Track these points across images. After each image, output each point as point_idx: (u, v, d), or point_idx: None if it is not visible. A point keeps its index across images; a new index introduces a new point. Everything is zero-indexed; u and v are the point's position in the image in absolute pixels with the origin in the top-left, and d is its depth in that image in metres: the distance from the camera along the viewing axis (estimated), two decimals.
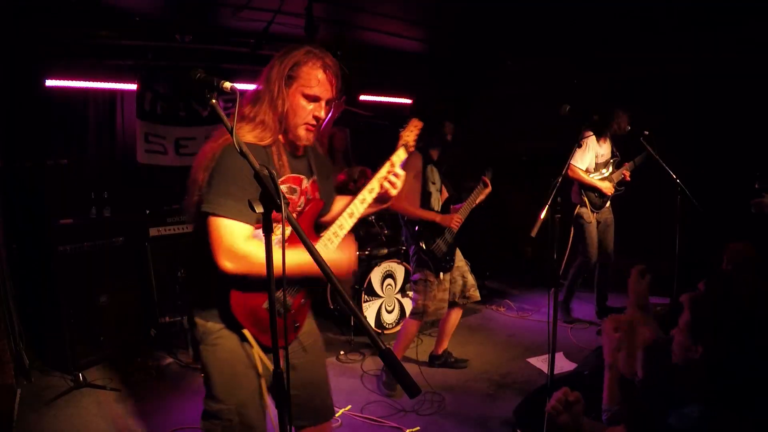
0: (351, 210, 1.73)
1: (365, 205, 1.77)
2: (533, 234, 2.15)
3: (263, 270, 1.21)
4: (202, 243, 1.54)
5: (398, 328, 4.42)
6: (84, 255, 3.67)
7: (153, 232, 4.32)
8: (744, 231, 2.71)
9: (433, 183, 3.41)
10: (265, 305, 1.57)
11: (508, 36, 4.88)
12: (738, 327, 1.44)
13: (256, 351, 1.62)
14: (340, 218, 1.71)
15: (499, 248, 6.20)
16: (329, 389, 1.92)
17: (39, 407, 3.09)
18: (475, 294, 3.58)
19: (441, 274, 3.36)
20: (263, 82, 1.61)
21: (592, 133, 4.18)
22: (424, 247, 3.31)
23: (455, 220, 3.34)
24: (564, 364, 3.63)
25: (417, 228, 3.34)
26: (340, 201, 1.92)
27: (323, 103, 1.64)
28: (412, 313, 3.44)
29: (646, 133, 3.82)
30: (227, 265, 1.47)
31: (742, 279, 1.71)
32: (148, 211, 4.35)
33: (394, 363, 1.07)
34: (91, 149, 4.54)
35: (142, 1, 3.82)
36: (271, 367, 1.61)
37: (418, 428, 2.90)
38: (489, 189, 3.44)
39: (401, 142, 1.97)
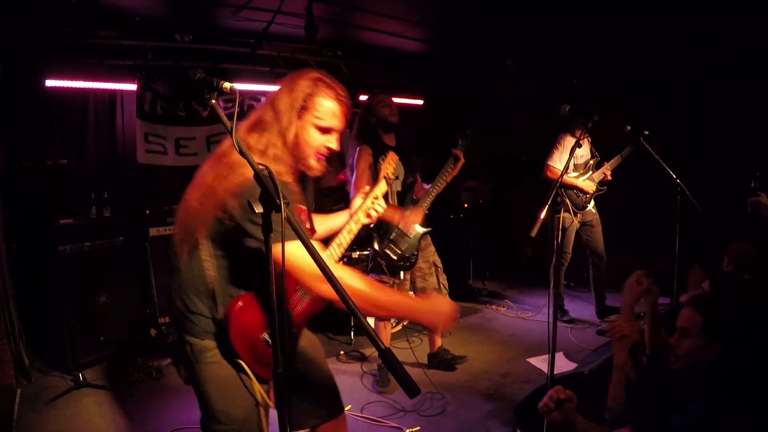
0: (340, 240, 1.79)
1: (352, 234, 1.84)
2: (533, 234, 2.15)
3: (349, 297, 1.18)
4: (203, 264, 1.52)
5: (398, 327, 4.42)
6: (84, 255, 3.67)
7: (153, 232, 4.32)
8: (744, 231, 2.71)
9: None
10: (263, 336, 1.55)
11: (508, 36, 4.88)
12: (739, 326, 1.44)
13: (255, 385, 1.58)
14: (331, 248, 1.75)
15: (499, 248, 6.20)
16: (335, 385, 1.94)
17: (39, 407, 3.08)
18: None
19: (401, 273, 3.18)
20: (269, 111, 1.55)
21: (569, 136, 4.26)
22: (377, 248, 3.13)
23: (405, 221, 3.08)
24: (564, 364, 3.62)
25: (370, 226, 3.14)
26: (319, 221, 1.93)
27: (335, 134, 1.61)
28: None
29: (646, 133, 3.81)
30: (324, 287, 1.39)
31: (743, 279, 1.71)
32: (148, 211, 4.34)
33: (394, 363, 1.06)
34: (91, 149, 4.54)
35: (142, 1, 3.82)
36: (270, 403, 1.59)
37: (418, 428, 2.90)
38: (462, 162, 3.16)
39: (381, 174, 2.03)
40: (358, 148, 3.17)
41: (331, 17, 4.22)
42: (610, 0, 3.72)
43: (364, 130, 3.24)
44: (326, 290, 1.40)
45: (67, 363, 3.44)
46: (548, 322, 2.09)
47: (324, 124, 1.56)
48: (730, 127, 4.43)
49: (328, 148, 1.60)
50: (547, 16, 4.13)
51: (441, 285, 3.45)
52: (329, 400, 1.89)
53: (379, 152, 3.16)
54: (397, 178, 3.22)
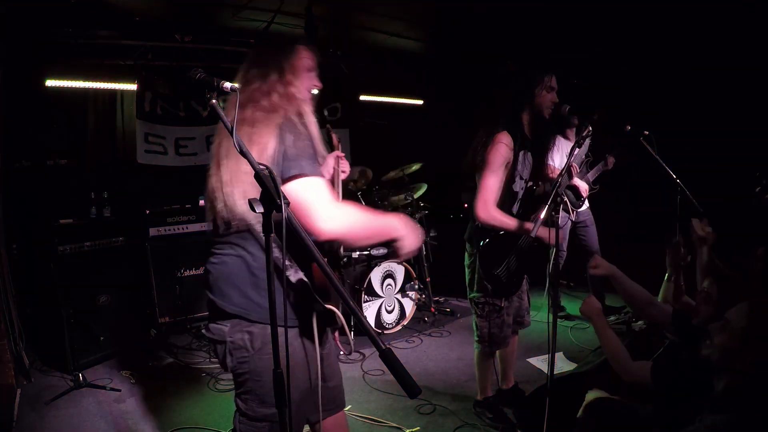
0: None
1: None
2: (533, 234, 2.15)
3: (363, 229, 1.43)
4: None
5: (398, 328, 4.42)
6: (84, 255, 3.67)
7: (153, 232, 4.33)
8: (743, 231, 2.71)
9: (522, 177, 2.43)
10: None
11: (508, 36, 4.88)
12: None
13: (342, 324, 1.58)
14: None
15: None
16: (341, 378, 1.95)
17: (39, 407, 3.08)
18: (528, 319, 2.94)
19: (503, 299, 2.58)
20: (258, 76, 1.58)
21: (559, 137, 4.21)
22: (487, 271, 2.45)
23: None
24: (564, 364, 3.63)
25: (481, 244, 2.44)
26: None
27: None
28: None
29: (646, 133, 3.81)
30: (327, 225, 1.37)
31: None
32: (148, 211, 4.35)
33: (394, 363, 1.07)
34: (91, 149, 4.55)
35: (142, 1, 3.83)
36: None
37: (418, 428, 2.90)
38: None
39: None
40: (494, 135, 2.33)
41: (331, 17, 4.22)
42: (609, 0, 3.72)
43: (511, 108, 2.39)
44: (332, 227, 1.40)
45: (67, 363, 3.44)
46: (548, 322, 2.10)
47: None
48: (731, 127, 4.43)
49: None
50: (546, 16, 4.14)
51: (529, 306, 2.92)
52: (336, 393, 1.90)
53: (519, 146, 2.35)
54: (523, 179, 2.46)
